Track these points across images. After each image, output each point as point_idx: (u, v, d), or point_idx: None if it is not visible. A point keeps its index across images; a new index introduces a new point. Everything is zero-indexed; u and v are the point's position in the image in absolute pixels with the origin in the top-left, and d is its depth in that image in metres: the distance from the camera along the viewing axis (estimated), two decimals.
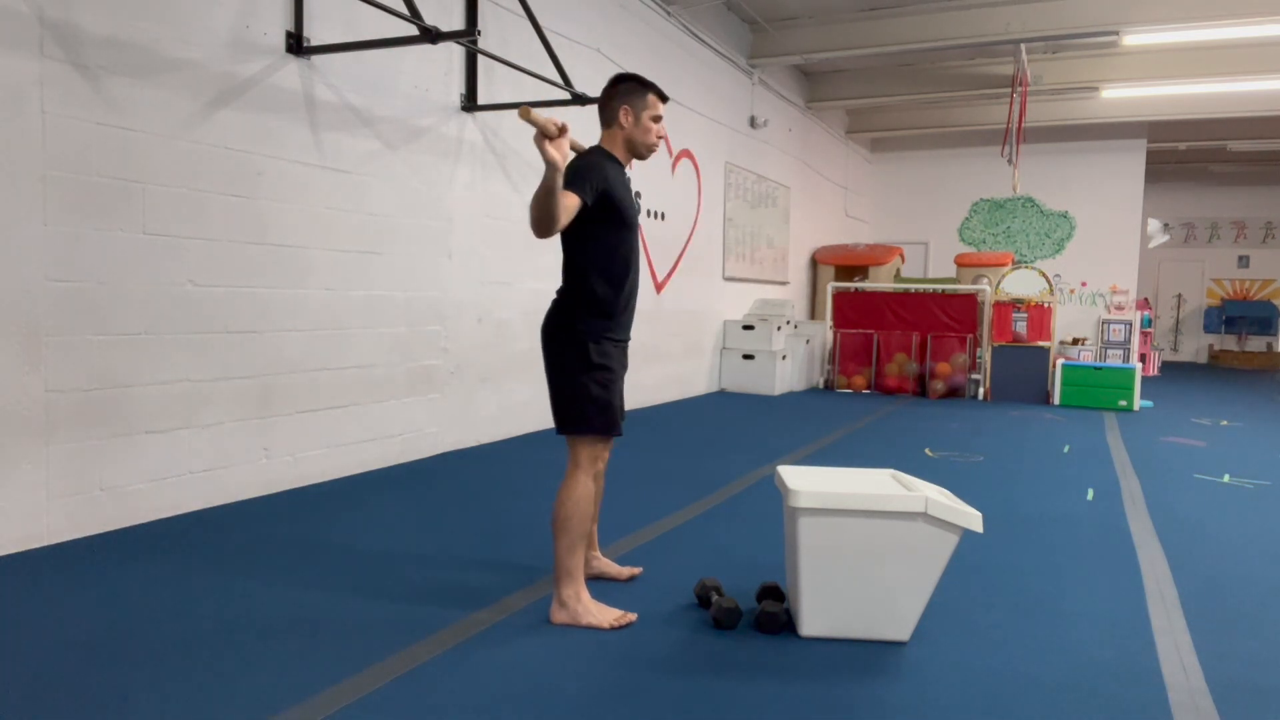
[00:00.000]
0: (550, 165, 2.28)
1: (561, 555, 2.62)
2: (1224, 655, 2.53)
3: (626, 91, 2.70)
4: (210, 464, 3.85)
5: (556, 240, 6.26)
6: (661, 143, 2.76)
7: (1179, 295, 16.34)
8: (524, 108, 2.28)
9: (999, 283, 9.44)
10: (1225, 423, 7.67)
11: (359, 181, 4.56)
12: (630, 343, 2.83)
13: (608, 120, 2.73)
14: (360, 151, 4.55)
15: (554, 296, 2.74)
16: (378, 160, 4.67)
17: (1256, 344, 15.72)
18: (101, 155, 3.36)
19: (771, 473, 4.91)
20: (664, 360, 7.93)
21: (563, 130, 2.30)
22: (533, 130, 2.27)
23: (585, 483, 2.64)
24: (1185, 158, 14.60)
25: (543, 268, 6.09)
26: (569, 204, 2.45)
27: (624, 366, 2.77)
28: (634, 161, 2.81)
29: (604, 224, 2.62)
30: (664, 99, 2.74)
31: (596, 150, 2.70)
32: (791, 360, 9.37)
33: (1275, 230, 15.65)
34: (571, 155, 2.60)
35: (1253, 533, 3.91)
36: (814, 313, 12.00)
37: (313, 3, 4.19)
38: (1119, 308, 12.35)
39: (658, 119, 2.72)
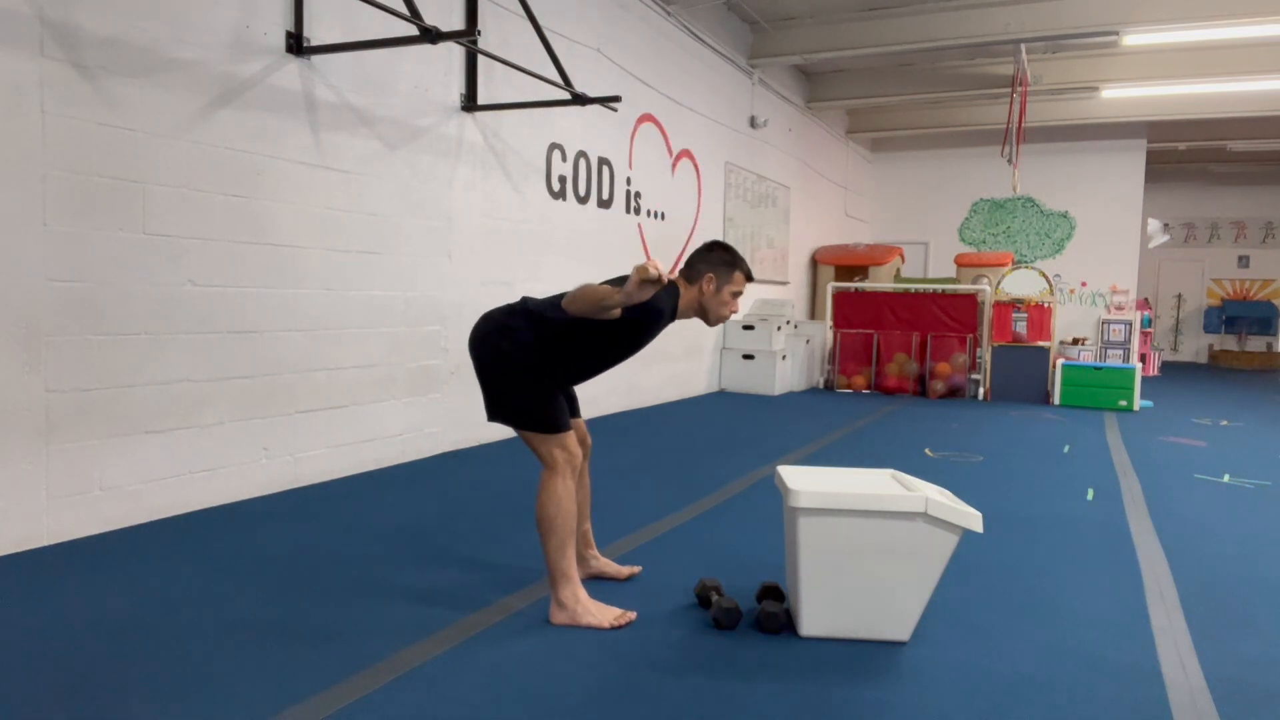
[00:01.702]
0: (628, 300, 2.36)
1: (553, 557, 2.63)
2: (1224, 655, 2.53)
3: (717, 262, 2.74)
4: (210, 464, 3.85)
5: (556, 241, 6.27)
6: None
7: (1179, 295, 16.34)
8: (650, 264, 2.33)
9: (999, 283, 9.44)
10: (1225, 423, 7.67)
11: (359, 181, 4.56)
12: None
13: (690, 278, 2.76)
14: (360, 151, 4.55)
15: (515, 304, 2.70)
16: (378, 160, 4.67)
17: (1256, 344, 15.72)
18: (101, 155, 3.36)
19: (771, 473, 4.91)
20: (664, 360, 7.93)
21: (659, 281, 2.34)
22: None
23: (562, 482, 2.63)
24: (1185, 158, 14.60)
25: (543, 268, 6.09)
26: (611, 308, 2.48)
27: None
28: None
29: (612, 335, 2.63)
30: (749, 278, 2.80)
31: (671, 293, 2.68)
32: (791, 360, 9.37)
33: (1275, 230, 15.65)
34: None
35: (1253, 533, 3.91)
36: (814, 313, 12.01)
37: (313, 3, 4.20)
38: (1119, 308, 12.34)
39: (737, 294, 2.78)
